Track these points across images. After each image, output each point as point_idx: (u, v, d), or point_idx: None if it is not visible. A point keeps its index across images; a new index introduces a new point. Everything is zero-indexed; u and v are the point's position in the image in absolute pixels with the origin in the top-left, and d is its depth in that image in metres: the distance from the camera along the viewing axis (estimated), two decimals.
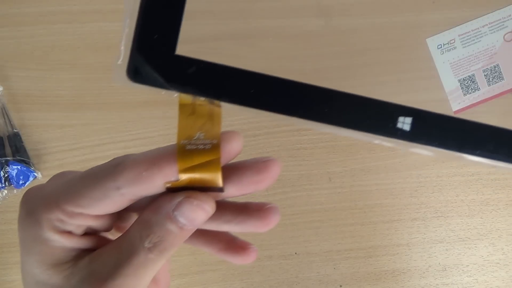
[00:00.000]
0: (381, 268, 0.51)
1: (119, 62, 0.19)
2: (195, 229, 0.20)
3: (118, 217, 0.22)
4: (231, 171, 0.20)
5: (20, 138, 0.50)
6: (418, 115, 0.21)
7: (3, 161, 0.49)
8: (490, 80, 0.54)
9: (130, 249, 0.20)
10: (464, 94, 0.54)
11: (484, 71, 0.54)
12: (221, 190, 0.20)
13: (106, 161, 0.21)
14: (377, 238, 0.52)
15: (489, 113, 0.54)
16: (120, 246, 0.20)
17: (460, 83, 0.54)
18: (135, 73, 0.19)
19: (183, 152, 0.19)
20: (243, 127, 0.49)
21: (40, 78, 0.51)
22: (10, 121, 0.50)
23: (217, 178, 0.19)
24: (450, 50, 0.54)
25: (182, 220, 0.19)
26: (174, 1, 0.18)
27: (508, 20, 0.54)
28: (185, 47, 0.19)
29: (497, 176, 0.53)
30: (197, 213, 0.20)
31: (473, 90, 0.54)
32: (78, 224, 0.20)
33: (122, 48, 0.19)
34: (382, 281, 0.51)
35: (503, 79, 0.54)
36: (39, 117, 0.51)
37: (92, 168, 0.21)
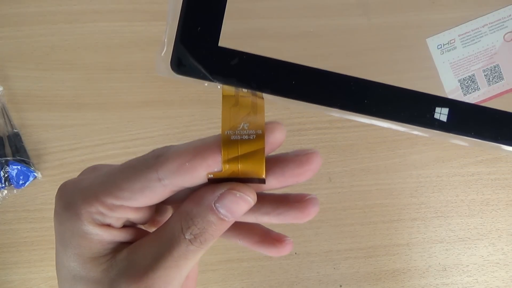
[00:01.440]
0: (381, 268, 0.51)
1: (163, 54, 0.19)
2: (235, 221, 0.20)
3: (155, 210, 0.22)
4: (273, 163, 0.20)
5: (20, 138, 0.50)
6: (455, 106, 0.21)
7: (3, 161, 0.49)
8: (490, 80, 0.54)
9: (170, 240, 0.19)
10: (464, 94, 0.54)
11: (484, 71, 0.54)
12: (263, 181, 0.19)
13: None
14: (377, 238, 0.52)
15: None
16: (160, 238, 0.20)
17: (460, 83, 0.54)
18: (179, 64, 0.19)
19: (227, 142, 0.18)
20: None
21: (40, 78, 0.51)
22: (10, 121, 0.50)
23: (261, 169, 0.19)
24: (450, 50, 0.54)
25: (223, 211, 0.19)
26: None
27: (508, 20, 0.54)
28: (227, 39, 0.19)
29: (497, 176, 0.53)
30: (239, 205, 0.19)
31: (473, 90, 0.54)
32: (118, 216, 0.20)
33: (166, 40, 0.19)
34: (382, 281, 0.51)
35: (503, 79, 0.54)
36: (39, 117, 0.51)
37: (130, 161, 0.20)
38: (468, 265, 0.52)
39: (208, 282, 0.50)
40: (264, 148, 0.19)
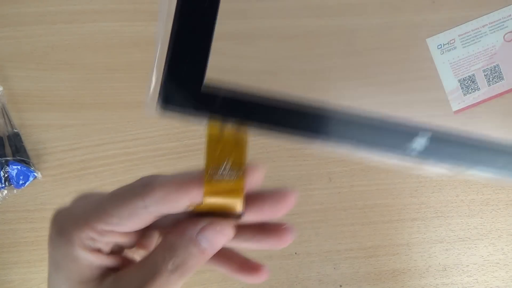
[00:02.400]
0: (381, 268, 0.51)
1: (150, 92, 0.20)
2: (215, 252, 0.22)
3: (141, 234, 0.23)
4: (252, 199, 0.22)
5: (20, 138, 0.50)
6: (432, 135, 0.21)
7: (3, 161, 0.49)
8: (490, 80, 0.54)
9: (154, 269, 0.21)
10: (464, 94, 0.54)
11: (484, 71, 0.54)
12: (239, 217, 0.21)
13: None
14: (377, 238, 0.52)
15: (489, 113, 0.54)
16: (144, 267, 0.21)
17: (460, 83, 0.54)
18: (166, 104, 0.20)
19: (210, 179, 0.20)
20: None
21: (40, 78, 0.51)
22: (10, 121, 0.50)
23: (239, 205, 0.21)
24: (450, 50, 0.54)
25: (204, 244, 0.21)
26: (201, 39, 0.19)
27: (508, 20, 0.54)
28: (212, 78, 0.20)
29: None
30: (219, 238, 0.21)
31: (473, 90, 0.54)
32: (107, 241, 0.21)
33: (153, 79, 0.20)
34: (382, 281, 0.51)
35: (503, 79, 0.54)
36: (39, 117, 0.51)
37: (118, 189, 0.22)
38: (468, 265, 0.52)
39: (208, 282, 0.50)
40: (243, 188, 0.20)
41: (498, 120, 0.54)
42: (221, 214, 0.21)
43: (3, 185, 0.49)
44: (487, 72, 0.54)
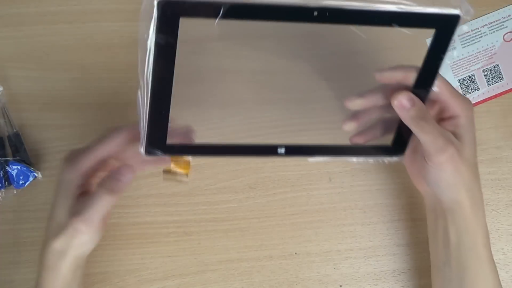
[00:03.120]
0: (381, 268, 0.51)
1: (141, 148, 0.38)
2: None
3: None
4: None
5: (20, 138, 0.50)
6: (288, 146, 0.42)
7: (3, 161, 0.49)
8: (490, 80, 0.54)
9: (95, 195, 0.40)
10: (464, 94, 0.54)
11: (484, 71, 0.54)
12: (186, 182, 0.46)
13: None
14: (377, 238, 0.52)
15: (489, 113, 0.54)
16: (92, 194, 0.40)
17: (460, 83, 0.54)
18: (149, 153, 0.39)
19: (174, 159, 0.42)
20: (243, 128, 0.49)
21: (40, 78, 0.51)
22: (10, 121, 0.50)
23: (185, 176, 0.43)
24: (450, 50, 0.54)
25: (122, 178, 0.40)
26: (162, 122, 0.38)
27: (507, 20, 0.54)
28: (170, 139, 0.39)
29: (497, 176, 0.53)
30: (125, 177, 0.40)
31: (473, 90, 0.54)
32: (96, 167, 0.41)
33: (142, 140, 0.38)
34: (382, 281, 0.51)
35: (502, 79, 0.54)
36: (39, 117, 0.51)
37: (98, 136, 0.41)
38: None
39: (208, 282, 0.51)
40: (188, 165, 0.42)
41: (498, 120, 0.54)
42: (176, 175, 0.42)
43: (3, 185, 0.49)
44: (486, 72, 0.54)
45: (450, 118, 0.42)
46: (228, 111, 0.45)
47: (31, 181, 0.49)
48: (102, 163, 0.41)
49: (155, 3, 0.32)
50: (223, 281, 0.51)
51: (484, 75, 0.54)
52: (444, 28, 0.37)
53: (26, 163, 0.49)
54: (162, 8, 0.32)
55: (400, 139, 0.43)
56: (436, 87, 0.40)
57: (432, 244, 0.46)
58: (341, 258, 0.51)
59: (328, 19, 0.35)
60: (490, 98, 0.54)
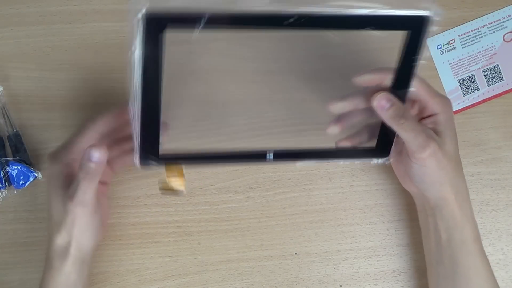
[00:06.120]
0: (381, 268, 0.52)
1: (136, 160, 0.39)
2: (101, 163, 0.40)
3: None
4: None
5: (20, 138, 0.50)
6: (276, 152, 0.42)
7: (3, 161, 0.49)
8: (490, 80, 0.54)
9: (78, 178, 0.40)
10: (464, 94, 0.54)
11: (483, 71, 0.54)
12: (182, 192, 0.43)
13: None
14: (377, 238, 0.52)
15: (488, 113, 0.54)
16: (76, 178, 0.41)
17: (460, 83, 0.54)
18: (143, 164, 0.40)
19: (168, 167, 0.42)
20: (243, 128, 0.49)
21: (40, 78, 0.51)
22: (10, 121, 0.50)
23: (181, 185, 0.43)
24: (450, 50, 0.54)
25: (93, 159, 0.39)
26: (154, 132, 0.39)
27: (507, 20, 0.54)
28: (163, 149, 0.40)
29: (497, 176, 0.53)
30: (98, 157, 0.40)
31: (472, 90, 0.54)
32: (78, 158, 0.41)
33: (136, 152, 0.39)
34: (382, 281, 0.51)
35: (502, 79, 0.54)
36: (39, 117, 0.51)
37: (78, 128, 0.43)
38: None
39: (208, 282, 0.51)
40: (182, 175, 0.42)
41: (498, 120, 0.54)
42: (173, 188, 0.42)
43: (3, 185, 0.49)
44: (486, 72, 0.54)
45: (430, 116, 0.43)
46: (217, 118, 0.46)
47: (31, 181, 0.49)
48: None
49: (139, 16, 0.33)
50: (223, 281, 0.51)
51: (484, 75, 0.54)
52: (415, 29, 0.38)
53: (26, 163, 0.49)
54: (146, 21, 0.33)
55: (384, 141, 0.44)
56: (414, 87, 0.40)
57: (425, 244, 0.47)
58: (341, 258, 0.52)
59: (304, 25, 0.36)
60: (490, 98, 0.54)
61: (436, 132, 0.43)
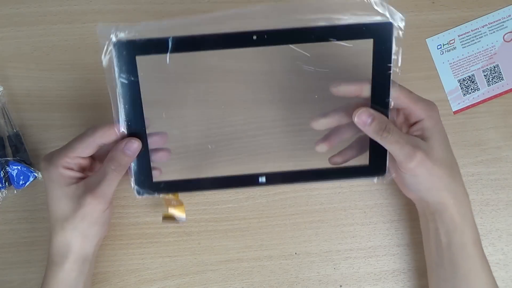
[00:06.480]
0: (381, 268, 0.52)
1: (134, 190, 0.42)
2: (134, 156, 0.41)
3: (92, 161, 0.44)
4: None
5: (20, 138, 0.50)
6: (268, 175, 0.43)
7: (3, 161, 0.49)
8: (490, 80, 0.54)
9: (105, 171, 0.41)
10: (464, 94, 0.54)
11: (483, 71, 0.54)
12: (183, 219, 0.46)
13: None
14: (377, 238, 0.52)
15: (488, 113, 0.54)
16: (99, 171, 0.41)
17: (460, 83, 0.54)
18: (139, 193, 0.42)
19: (166, 202, 0.46)
20: (243, 128, 0.49)
21: (40, 78, 0.51)
22: (10, 121, 0.50)
23: (182, 212, 0.46)
24: (450, 50, 0.54)
25: (127, 151, 0.40)
26: (144, 161, 0.41)
27: (507, 20, 0.54)
28: (156, 178, 0.43)
29: (497, 176, 0.53)
30: (133, 148, 0.40)
31: (473, 90, 0.54)
32: (75, 162, 0.42)
33: (132, 183, 0.42)
34: (382, 281, 0.51)
35: (502, 79, 0.54)
36: (39, 117, 0.51)
37: (78, 135, 0.42)
38: None
39: (208, 282, 0.51)
40: (182, 205, 0.46)
41: (498, 120, 0.54)
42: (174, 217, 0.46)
43: (3, 185, 0.49)
44: (486, 72, 0.54)
45: (416, 123, 0.42)
46: (205, 140, 0.47)
47: (31, 181, 0.49)
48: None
49: (112, 44, 0.37)
50: (223, 281, 0.51)
51: (484, 75, 0.54)
52: (380, 37, 0.38)
53: (26, 163, 0.49)
54: (117, 48, 0.37)
55: (376, 157, 0.43)
56: (394, 96, 0.40)
57: (426, 247, 0.47)
58: (341, 258, 0.52)
59: (267, 42, 0.37)
60: (490, 98, 0.54)
61: (423, 138, 0.42)
